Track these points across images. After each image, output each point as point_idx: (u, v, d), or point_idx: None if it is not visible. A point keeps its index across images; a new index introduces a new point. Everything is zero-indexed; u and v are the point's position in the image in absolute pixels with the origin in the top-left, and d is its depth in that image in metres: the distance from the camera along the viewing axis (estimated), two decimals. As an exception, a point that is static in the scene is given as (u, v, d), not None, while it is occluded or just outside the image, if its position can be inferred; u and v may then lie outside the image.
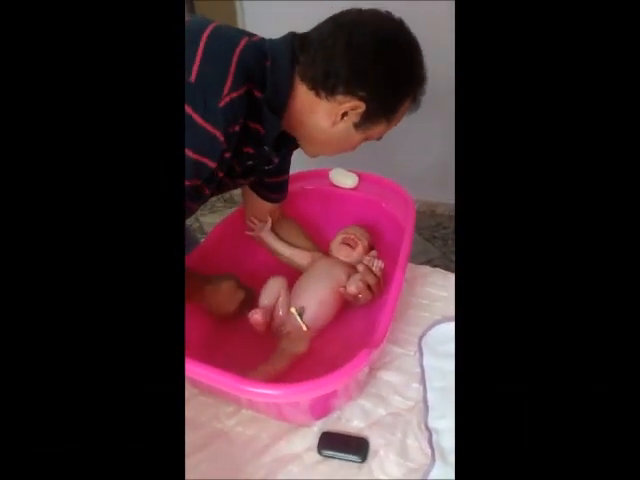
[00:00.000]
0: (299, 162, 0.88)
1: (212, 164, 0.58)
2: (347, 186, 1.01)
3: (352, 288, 0.78)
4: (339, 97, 0.59)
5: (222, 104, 0.54)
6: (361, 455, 0.63)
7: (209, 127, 0.54)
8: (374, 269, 0.79)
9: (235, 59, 0.55)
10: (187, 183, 0.58)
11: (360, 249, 0.87)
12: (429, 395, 0.71)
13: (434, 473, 0.60)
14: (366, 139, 0.67)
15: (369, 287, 0.78)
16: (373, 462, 0.62)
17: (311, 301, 0.79)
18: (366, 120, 0.63)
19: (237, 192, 0.89)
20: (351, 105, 0.60)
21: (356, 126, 0.63)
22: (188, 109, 0.52)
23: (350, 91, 0.59)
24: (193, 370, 0.56)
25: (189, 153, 0.54)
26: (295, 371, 0.74)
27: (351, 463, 0.62)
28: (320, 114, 0.62)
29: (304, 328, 0.77)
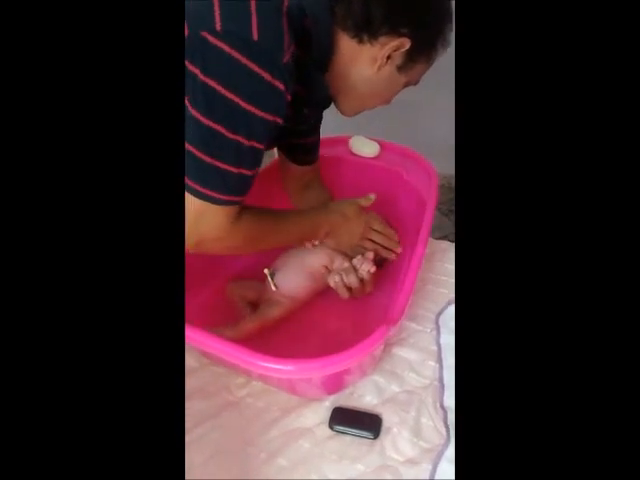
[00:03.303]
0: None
1: (280, 121, 0.56)
2: (367, 155, 0.97)
3: (330, 282, 0.75)
4: (382, 38, 0.59)
5: (285, 60, 0.51)
6: (373, 432, 0.61)
7: (277, 83, 0.51)
8: (360, 271, 0.75)
9: (284, 17, 0.53)
10: (264, 147, 0.56)
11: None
12: (445, 374, 0.68)
13: (449, 453, 0.59)
14: (407, 84, 0.67)
15: (349, 287, 0.75)
16: (386, 439, 0.61)
17: (283, 266, 0.78)
18: (409, 60, 0.63)
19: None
20: (395, 44, 0.59)
21: (399, 68, 0.63)
22: (255, 67, 0.49)
23: (393, 29, 0.58)
24: (203, 342, 0.54)
25: (263, 114, 0.52)
26: (308, 345, 0.72)
27: (363, 439, 0.61)
28: (364, 61, 0.62)
29: (272, 288, 0.76)
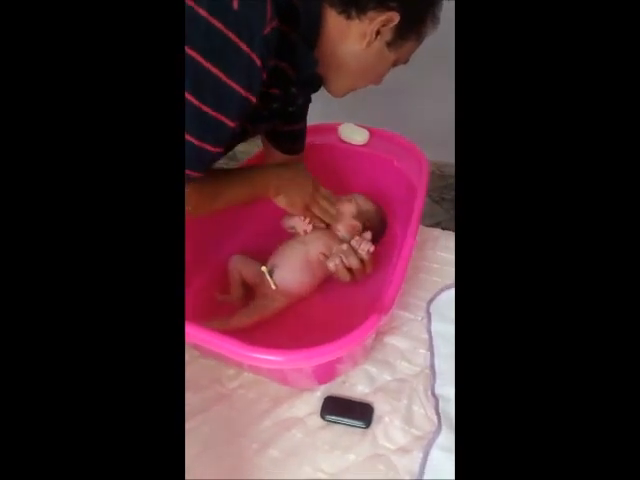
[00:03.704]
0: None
1: (254, 99, 0.54)
2: (357, 142, 0.96)
3: (330, 265, 0.75)
4: (370, 13, 0.58)
5: (266, 32, 0.49)
6: (365, 421, 0.61)
7: (254, 56, 0.50)
8: (360, 252, 0.75)
9: None
10: (233, 125, 0.54)
11: (342, 224, 0.82)
12: (436, 361, 0.69)
13: (440, 440, 0.59)
14: (397, 62, 0.66)
15: (350, 269, 0.74)
16: (377, 428, 0.61)
17: (281, 262, 0.78)
18: (398, 36, 0.61)
19: (239, 149, 0.84)
20: (384, 18, 0.58)
21: (389, 45, 0.62)
22: (234, 37, 0.48)
23: (381, 3, 0.57)
24: (194, 334, 0.54)
25: (236, 86, 0.50)
26: (300, 334, 0.72)
27: (355, 428, 0.61)
28: (352, 37, 0.60)
29: (272, 286, 0.75)
